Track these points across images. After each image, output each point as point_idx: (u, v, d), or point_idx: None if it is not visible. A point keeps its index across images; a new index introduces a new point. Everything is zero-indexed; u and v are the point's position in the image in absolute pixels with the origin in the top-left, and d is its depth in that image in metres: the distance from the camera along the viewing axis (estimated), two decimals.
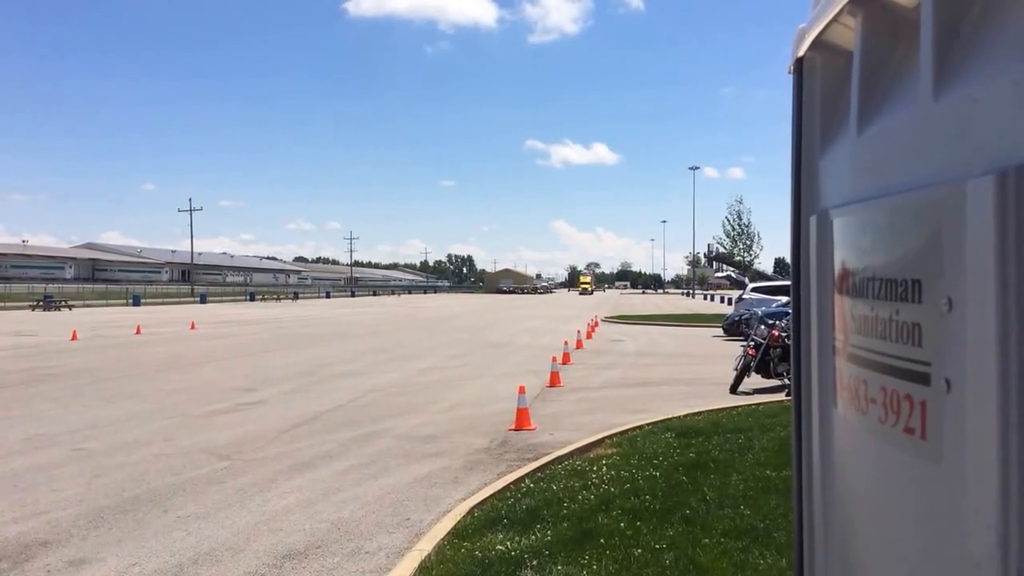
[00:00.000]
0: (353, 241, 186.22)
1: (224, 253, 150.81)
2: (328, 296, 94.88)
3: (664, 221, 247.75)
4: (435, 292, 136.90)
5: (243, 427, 9.88)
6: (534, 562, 4.88)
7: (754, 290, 29.81)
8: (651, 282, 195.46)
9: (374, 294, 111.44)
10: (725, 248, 56.49)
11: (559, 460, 7.79)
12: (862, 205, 1.00)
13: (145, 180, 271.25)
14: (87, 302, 58.72)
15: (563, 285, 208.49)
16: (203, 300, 67.67)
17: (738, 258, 55.80)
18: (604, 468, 7.22)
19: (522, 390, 10.24)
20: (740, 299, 30.02)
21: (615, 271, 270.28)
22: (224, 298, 76.61)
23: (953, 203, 0.76)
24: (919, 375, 0.83)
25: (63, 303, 51.27)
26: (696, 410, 10.52)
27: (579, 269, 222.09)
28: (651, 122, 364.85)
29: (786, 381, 12.20)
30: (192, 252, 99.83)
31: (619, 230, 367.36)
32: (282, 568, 5.19)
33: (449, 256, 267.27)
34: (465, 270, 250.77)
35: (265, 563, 5.27)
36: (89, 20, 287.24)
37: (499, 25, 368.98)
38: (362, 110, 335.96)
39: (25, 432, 9.50)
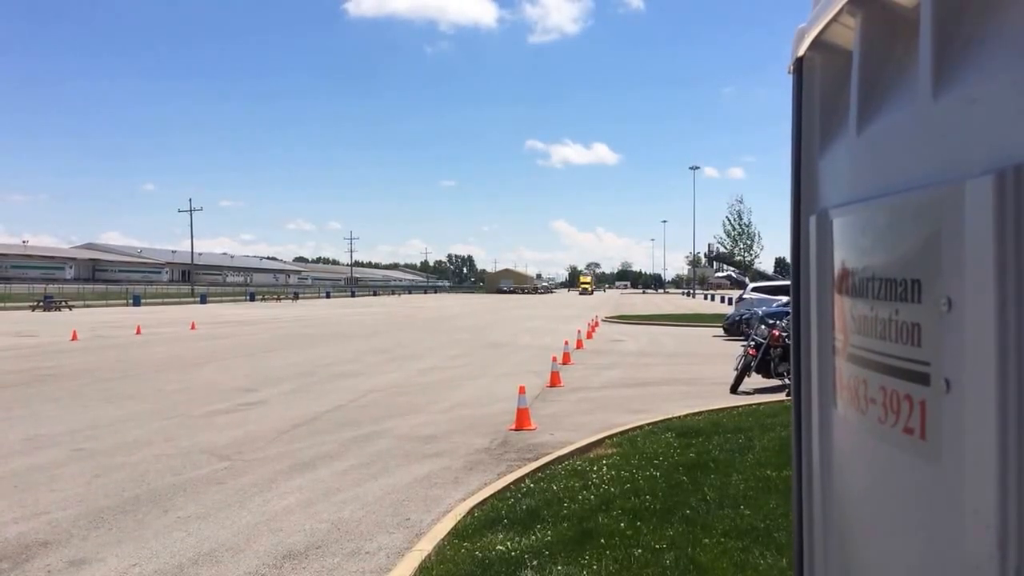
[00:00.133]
0: (353, 241, 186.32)
1: (224, 253, 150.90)
2: (328, 296, 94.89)
3: (664, 221, 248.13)
4: (435, 292, 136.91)
5: (243, 427, 9.88)
6: (534, 562, 4.88)
7: (754, 290, 29.82)
8: (651, 282, 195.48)
9: (374, 294, 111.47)
10: (725, 248, 56.56)
11: (559, 460, 7.79)
12: (862, 205, 1.00)
13: (145, 180, 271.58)
14: (87, 302, 58.73)
15: (563, 285, 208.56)
16: (203, 300, 67.69)
17: (738, 258, 55.85)
18: (604, 468, 7.22)
19: (522, 390, 10.24)
20: (740, 299, 30.04)
21: (615, 271, 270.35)
22: (224, 298, 76.63)
23: (952, 203, 0.76)
24: (918, 375, 0.83)
25: (63, 303, 51.28)
26: (696, 410, 10.52)
27: (579, 269, 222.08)
28: (651, 122, 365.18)
29: (787, 381, 12.19)
30: (192, 252, 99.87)
31: (619, 230, 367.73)
32: (282, 568, 5.19)
33: (449, 256, 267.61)
34: (465, 270, 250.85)
35: (265, 563, 5.27)
36: (89, 20, 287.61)
37: (499, 25, 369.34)
38: (362, 110, 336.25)
39: (25, 432, 9.50)
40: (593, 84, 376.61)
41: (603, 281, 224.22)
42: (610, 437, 8.85)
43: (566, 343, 19.25)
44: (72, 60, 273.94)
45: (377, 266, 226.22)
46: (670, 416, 10.05)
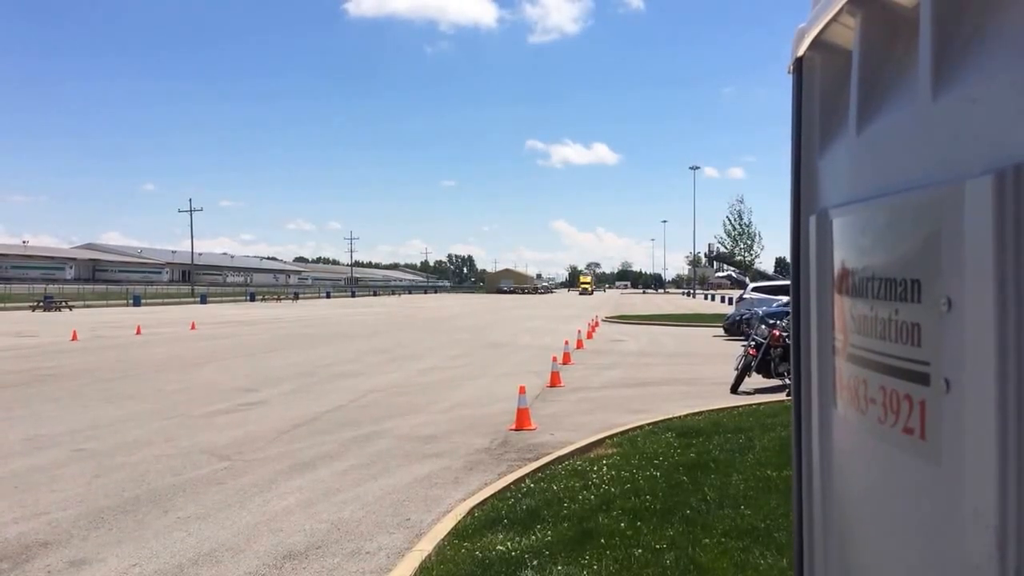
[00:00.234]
0: (353, 241, 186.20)
1: (224, 253, 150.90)
2: (328, 296, 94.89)
3: (665, 221, 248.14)
4: (435, 292, 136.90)
5: (243, 427, 9.88)
6: (534, 562, 4.88)
7: (755, 290, 29.81)
8: (652, 282, 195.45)
9: (374, 294, 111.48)
10: (726, 248, 56.54)
11: (559, 460, 7.79)
12: (861, 205, 1.00)
13: (145, 180, 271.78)
14: (87, 303, 58.74)
15: (563, 285, 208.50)
16: (203, 300, 67.70)
17: (739, 258, 55.82)
18: (604, 468, 7.22)
19: (522, 390, 10.24)
20: (741, 299, 30.04)
21: (616, 271, 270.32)
22: (224, 298, 76.63)
23: (952, 203, 0.76)
24: (918, 375, 0.83)
25: (63, 304, 51.28)
26: (697, 410, 10.52)
27: (580, 269, 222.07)
28: (651, 122, 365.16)
29: (787, 381, 12.18)
30: (192, 252, 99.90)
31: (619, 230, 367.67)
32: (282, 569, 5.19)
33: (449, 256, 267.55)
34: (465, 270, 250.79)
35: (265, 563, 5.27)
36: (89, 20, 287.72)
37: (499, 25, 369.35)
38: (362, 110, 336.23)
39: (26, 432, 9.50)
40: (593, 84, 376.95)
41: (603, 281, 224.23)
42: (610, 437, 8.85)
43: (566, 343, 19.25)
44: (72, 60, 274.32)
45: (377, 266, 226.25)
46: (670, 416, 10.05)
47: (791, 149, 1.32)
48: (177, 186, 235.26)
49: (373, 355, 19.68)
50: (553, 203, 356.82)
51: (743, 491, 6.30)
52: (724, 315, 31.12)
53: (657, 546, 5.11)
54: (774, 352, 12.63)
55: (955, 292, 0.76)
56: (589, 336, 25.55)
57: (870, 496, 1.01)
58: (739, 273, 49.50)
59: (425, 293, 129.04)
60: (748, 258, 55.40)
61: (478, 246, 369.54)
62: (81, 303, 56.98)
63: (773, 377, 12.82)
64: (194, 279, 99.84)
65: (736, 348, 15.74)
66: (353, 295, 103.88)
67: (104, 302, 61.12)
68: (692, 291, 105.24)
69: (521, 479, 7.08)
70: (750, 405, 10.85)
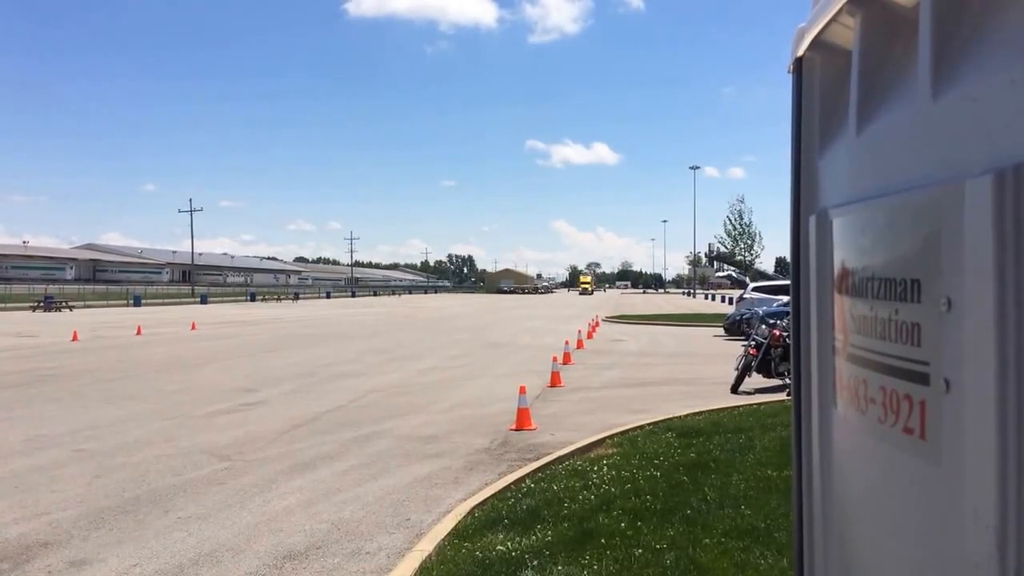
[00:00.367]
0: (354, 241, 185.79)
1: (225, 254, 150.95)
2: (329, 296, 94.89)
3: (665, 221, 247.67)
4: (436, 292, 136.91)
5: (244, 428, 9.88)
6: (535, 562, 4.88)
7: (755, 289, 29.82)
8: (652, 282, 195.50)
9: (375, 294, 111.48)
10: (726, 248, 56.50)
11: (560, 460, 7.79)
12: (861, 205, 1.00)
13: (145, 181, 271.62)
14: (88, 303, 58.75)
15: (564, 285, 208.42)
16: (204, 301, 67.69)
17: (739, 258, 55.78)
18: (605, 468, 7.22)
19: (523, 390, 10.24)
20: (741, 299, 30.04)
21: (616, 271, 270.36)
22: (225, 299, 76.64)
23: (952, 203, 0.76)
24: (918, 375, 0.83)
25: (64, 304, 51.29)
26: (697, 410, 10.52)
27: (580, 269, 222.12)
28: (651, 122, 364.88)
29: (787, 381, 12.18)
30: (192, 253, 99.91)
31: (620, 230, 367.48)
32: (283, 569, 5.19)
33: (450, 256, 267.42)
34: (466, 270, 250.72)
35: (266, 564, 5.27)
36: (89, 20, 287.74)
37: (499, 25, 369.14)
38: (362, 110, 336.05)
39: (26, 433, 9.50)
40: (593, 84, 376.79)
41: (603, 281, 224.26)
42: (611, 437, 8.85)
43: (566, 343, 19.25)
44: (72, 60, 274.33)
45: (377, 266, 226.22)
46: (671, 416, 10.05)
47: (791, 149, 1.32)
48: (177, 186, 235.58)
49: (373, 355, 19.68)
50: (553, 203, 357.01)
51: (743, 491, 6.29)
52: (724, 315, 31.13)
53: (657, 546, 5.11)
54: (774, 352, 12.62)
55: (955, 292, 0.76)
56: (589, 336, 25.55)
57: (870, 496, 1.01)
58: (739, 273, 49.49)
59: (425, 293, 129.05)
60: (748, 258, 55.39)
61: (478, 246, 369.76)
62: (81, 303, 57.00)
63: (773, 377, 12.82)
64: (194, 279, 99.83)
65: (736, 348, 15.74)
66: (353, 295, 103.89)
67: (104, 302, 61.14)
68: (692, 291, 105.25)
69: (521, 479, 7.08)
70: (750, 405, 10.85)
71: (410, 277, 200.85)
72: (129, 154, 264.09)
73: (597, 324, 32.13)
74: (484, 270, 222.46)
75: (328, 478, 7.43)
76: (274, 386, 13.74)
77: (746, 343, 13.65)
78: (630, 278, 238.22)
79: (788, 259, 1.42)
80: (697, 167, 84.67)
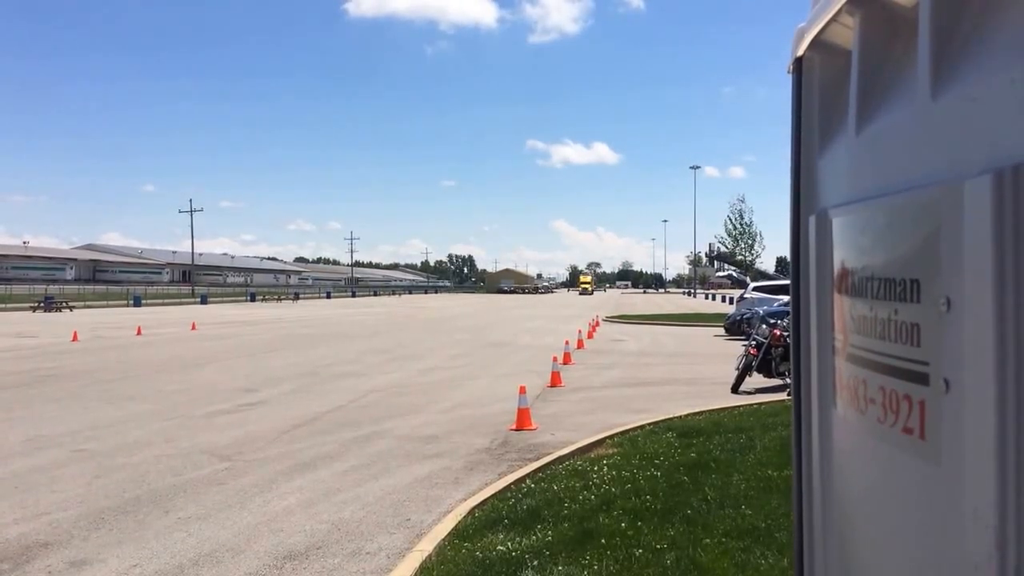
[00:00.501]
0: (354, 241, 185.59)
1: (225, 254, 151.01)
2: (329, 296, 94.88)
3: (665, 220, 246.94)
4: (436, 292, 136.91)
5: (244, 428, 9.88)
6: (535, 562, 4.88)
7: (755, 289, 29.82)
8: (652, 282, 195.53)
9: (375, 294, 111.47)
10: (727, 247, 56.43)
11: (560, 460, 7.79)
12: (861, 205, 1.00)
13: (146, 181, 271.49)
14: (88, 303, 58.77)
15: (564, 285, 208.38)
16: (204, 301, 67.69)
17: (740, 257, 55.73)
18: (605, 468, 7.22)
19: (523, 390, 10.24)
20: (741, 298, 30.03)
21: (616, 271, 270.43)
22: (225, 299, 76.64)
23: (951, 203, 0.76)
24: (918, 375, 0.83)
25: (64, 304, 51.29)
26: (697, 410, 10.52)
27: (580, 269, 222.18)
28: (652, 121, 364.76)
29: (788, 381, 12.18)
30: (193, 253, 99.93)
31: (620, 230, 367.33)
32: (283, 569, 5.19)
33: (450, 256, 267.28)
34: (466, 270, 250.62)
35: (266, 564, 5.27)
36: (89, 21, 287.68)
37: (499, 25, 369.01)
38: (362, 110, 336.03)
39: (26, 433, 9.50)
40: (593, 84, 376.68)
41: (604, 281, 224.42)
42: (611, 437, 8.84)
43: (567, 343, 19.25)
44: (72, 60, 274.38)
45: (378, 266, 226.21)
46: (671, 416, 10.05)
47: (791, 149, 1.33)
48: (177, 186, 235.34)
49: (373, 355, 19.68)
50: (553, 203, 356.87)
51: (744, 491, 6.29)
52: (725, 315, 31.13)
53: (658, 546, 5.10)
54: (775, 352, 12.62)
55: (954, 292, 0.75)
56: (590, 336, 25.55)
57: (870, 496, 1.01)
58: (740, 273, 49.45)
59: (426, 293, 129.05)
60: (749, 258, 55.32)
61: (478, 246, 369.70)
62: (81, 304, 57.01)
63: (774, 377, 12.82)
64: (194, 279, 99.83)
65: (737, 348, 15.74)
66: (353, 295, 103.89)
67: (104, 303, 61.15)
68: (693, 291, 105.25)
69: (521, 479, 7.08)
70: (751, 405, 10.85)
71: (410, 277, 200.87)
72: (129, 154, 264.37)
73: (597, 324, 32.13)
74: (484, 270, 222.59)
75: (328, 478, 7.43)
76: (274, 386, 13.74)
77: (747, 343, 13.65)
78: (630, 278, 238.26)
79: (788, 259, 1.42)
80: (697, 167, 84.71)
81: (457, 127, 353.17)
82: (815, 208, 1.22)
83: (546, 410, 11.07)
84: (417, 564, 5.05)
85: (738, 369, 12.98)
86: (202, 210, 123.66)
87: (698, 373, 15.72)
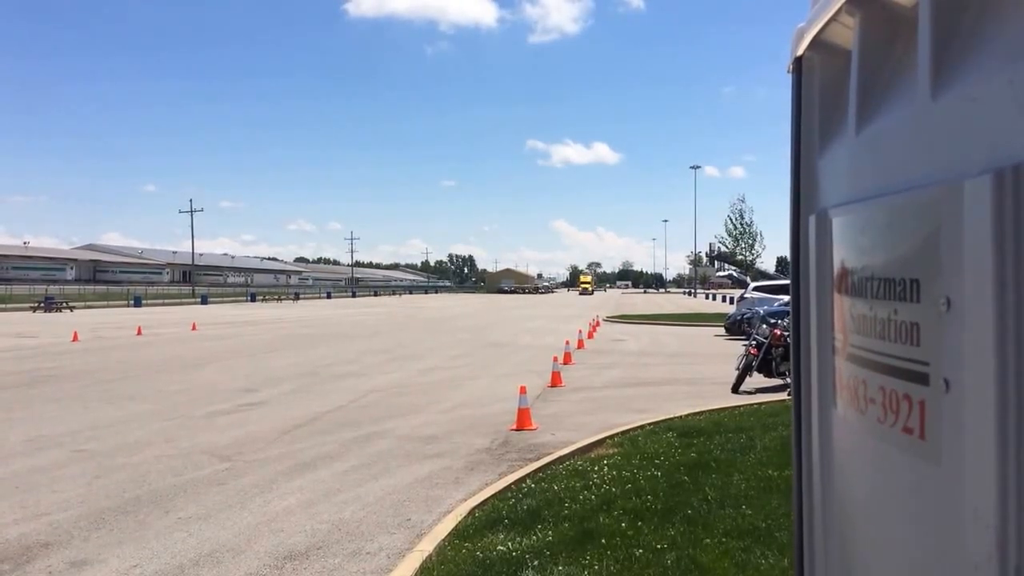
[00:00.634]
0: (354, 241, 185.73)
1: (225, 254, 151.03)
2: (329, 296, 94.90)
3: (666, 220, 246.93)
4: (436, 292, 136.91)
5: (244, 428, 9.89)
6: (535, 562, 4.88)
7: (756, 289, 29.82)
8: (653, 281, 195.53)
9: (375, 294, 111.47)
10: (727, 247, 56.43)
11: (560, 460, 7.79)
12: (861, 204, 1.00)
13: (146, 181, 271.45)
14: (88, 303, 58.78)
15: (564, 285, 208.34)
16: (204, 301, 67.70)
17: (740, 257, 55.73)
18: (605, 468, 7.22)
19: (523, 390, 10.24)
20: (742, 298, 30.02)
21: (616, 271, 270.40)
22: (225, 299, 76.66)
23: (951, 203, 0.76)
24: (918, 375, 0.83)
25: (64, 304, 51.30)
26: (698, 410, 10.51)
27: (580, 269, 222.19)
28: (652, 121, 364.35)
29: (788, 380, 12.17)
30: (193, 253, 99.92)
31: (620, 230, 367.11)
32: (283, 569, 5.19)
33: (450, 256, 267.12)
34: (466, 270, 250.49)
35: (266, 564, 5.27)
36: (89, 21, 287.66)
37: (499, 25, 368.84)
38: (362, 110, 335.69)
39: (26, 433, 9.50)
40: (593, 84, 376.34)
41: (604, 281, 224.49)
42: (611, 437, 8.84)
43: (567, 343, 19.25)
44: (72, 60, 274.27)
45: (378, 266, 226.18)
46: (671, 416, 10.05)
47: (791, 149, 1.32)
48: (177, 186, 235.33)
49: (374, 355, 19.69)
50: (553, 203, 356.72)
51: (744, 491, 6.29)
52: (725, 315, 31.12)
53: (658, 546, 5.10)
54: (775, 352, 12.61)
55: (954, 292, 0.75)
56: (590, 336, 25.55)
57: (870, 496, 1.01)
58: (740, 272, 49.47)
59: (426, 293, 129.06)
60: (749, 257, 55.32)
61: (479, 246, 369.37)
62: (82, 304, 57.02)
63: (774, 377, 12.81)
64: (195, 280, 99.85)
65: (737, 348, 15.74)
66: (354, 295, 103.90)
67: (105, 303, 61.16)
68: (693, 291, 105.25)
69: (522, 479, 7.08)
70: (751, 405, 10.85)
71: (411, 277, 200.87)
72: (129, 154, 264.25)
73: (598, 324, 32.13)
74: (485, 270, 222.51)
75: (328, 478, 7.43)
76: (274, 386, 13.74)
77: (747, 343, 13.65)
78: (631, 278, 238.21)
79: (788, 259, 1.42)
80: (698, 167, 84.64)
81: (457, 127, 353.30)
82: (815, 208, 1.22)
83: (546, 410, 11.07)
84: (417, 564, 5.05)
85: (738, 369, 12.98)
86: (202, 210, 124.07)
87: (698, 373, 15.71)
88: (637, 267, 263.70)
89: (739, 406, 10.74)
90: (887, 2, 1.02)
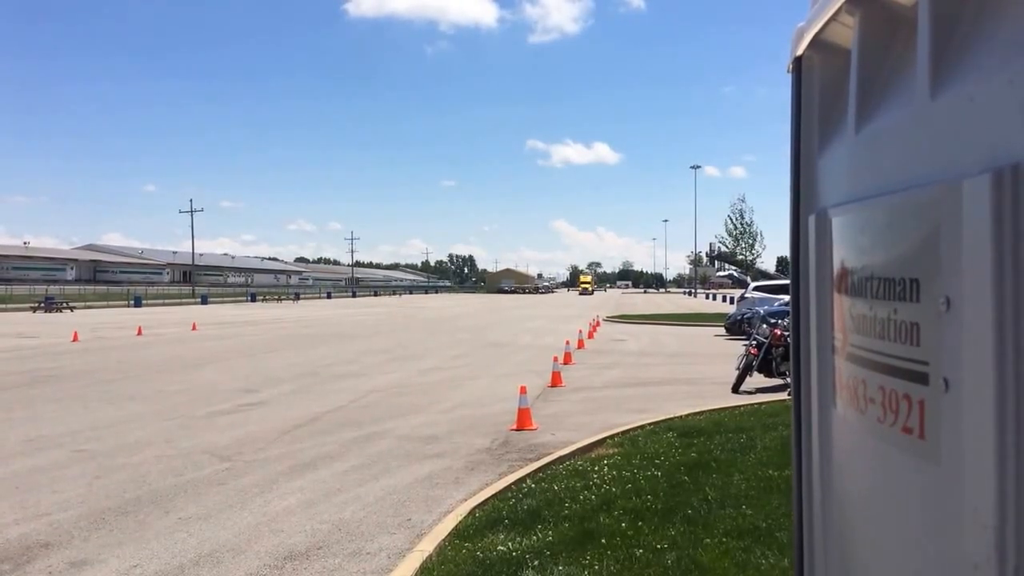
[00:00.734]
0: (354, 241, 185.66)
1: (225, 254, 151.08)
2: (329, 296, 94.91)
3: (666, 220, 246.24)
4: (436, 292, 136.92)
5: (244, 428, 9.89)
6: (535, 562, 4.88)
7: (756, 289, 29.82)
8: (653, 281, 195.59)
9: (375, 294, 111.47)
10: (727, 247, 56.45)
11: (560, 460, 7.79)
12: (860, 204, 1.00)
13: (146, 181, 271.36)
14: (88, 303, 58.79)
15: (564, 285, 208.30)
16: (204, 301, 67.71)
17: (740, 257, 55.74)
18: (606, 468, 7.22)
19: (523, 390, 10.24)
20: (742, 298, 30.02)
21: (617, 271, 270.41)
22: (225, 299, 76.66)
23: (950, 202, 0.76)
24: (917, 374, 0.83)
25: (64, 304, 51.32)
26: (698, 409, 10.51)
27: (581, 269, 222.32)
28: (652, 121, 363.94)
29: (788, 380, 12.17)
30: (193, 253, 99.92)
31: (620, 229, 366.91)
32: (283, 569, 5.19)
33: (450, 256, 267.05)
34: (466, 270, 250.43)
35: (267, 564, 5.27)
36: (90, 21, 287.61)
37: (499, 25, 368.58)
38: (362, 110, 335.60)
39: (27, 433, 9.50)
40: (593, 84, 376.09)
41: (604, 281, 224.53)
42: (611, 437, 8.84)
43: (567, 343, 19.25)
44: (72, 61, 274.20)
45: (378, 266, 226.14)
46: (672, 416, 10.05)
47: (790, 148, 1.32)
48: (178, 187, 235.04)
49: (374, 355, 19.69)
50: (553, 203, 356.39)
51: (745, 491, 6.29)
52: (726, 314, 31.11)
53: (658, 546, 5.10)
54: (776, 351, 12.61)
55: (954, 291, 0.75)
56: (590, 336, 25.55)
57: (870, 495, 1.01)
58: (740, 272, 49.48)
59: (426, 293, 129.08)
60: (750, 257, 55.33)
61: (479, 246, 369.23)
62: (82, 304, 57.03)
63: (775, 376, 12.81)
64: (195, 280, 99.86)
65: (737, 348, 15.74)
66: (354, 295, 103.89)
67: (105, 303, 61.16)
68: (693, 291, 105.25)
69: (522, 479, 7.08)
70: (751, 405, 10.85)
71: (411, 277, 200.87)
72: (129, 154, 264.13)
73: (598, 324, 32.13)
74: (485, 270, 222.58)
75: (329, 478, 7.43)
76: (275, 386, 13.74)
77: (747, 343, 13.64)
78: (631, 278, 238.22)
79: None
80: (698, 167, 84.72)
81: (457, 127, 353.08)
82: (815, 208, 1.22)
83: (547, 410, 11.07)
84: (418, 564, 5.05)
85: (739, 369, 12.97)
86: (202, 210, 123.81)
87: (699, 373, 15.71)
88: (637, 267, 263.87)
89: (739, 406, 10.74)
90: (886, 2, 1.02)
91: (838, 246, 1.08)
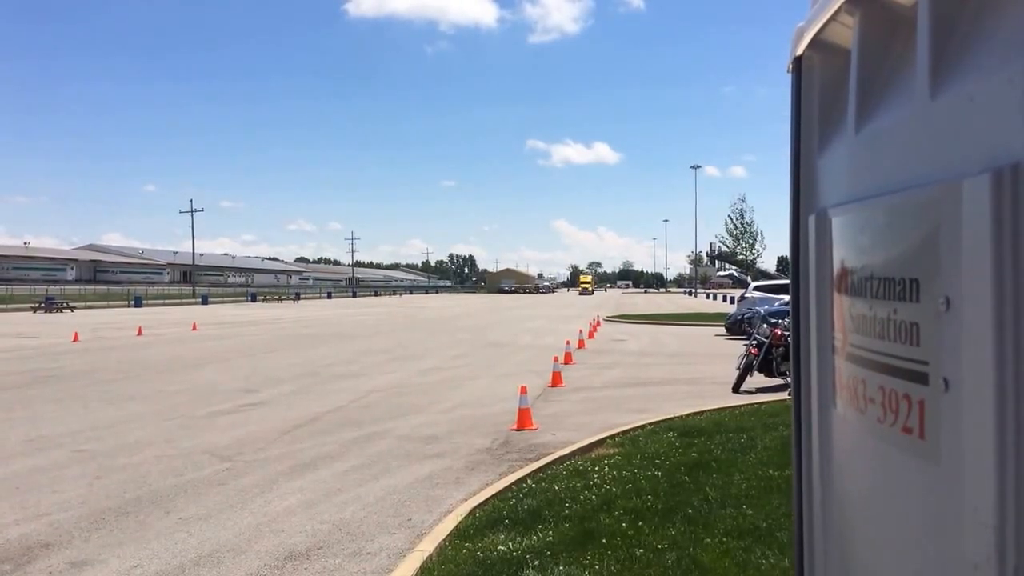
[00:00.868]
0: (354, 241, 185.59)
1: (225, 254, 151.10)
2: (330, 297, 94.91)
3: (666, 220, 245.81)
4: (437, 292, 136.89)
5: (244, 428, 9.89)
6: (536, 562, 4.88)
7: (756, 288, 29.82)
8: (653, 281, 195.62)
9: (376, 294, 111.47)
10: (727, 247, 56.48)
11: (561, 460, 7.79)
12: (860, 204, 1.00)
13: (146, 182, 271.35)
14: (89, 304, 58.79)
15: (565, 285, 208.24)
16: (204, 301, 67.71)
17: (741, 257, 55.76)
18: (606, 468, 7.22)
19: (524, 390, 10.24)
20: (742, 298, 30.01)
21: (617, 270, 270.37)
22: (225, 299, 76.67)
23: (950, 202, 0.76)
24: (917, 374, 0.83)
25: (65, 305, 51.32)
26: (698, 409, 10.51)
27: (581, 268, 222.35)
28: (652, 121, 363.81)
29: (789, 380, 12.17)
30: (193, 253, 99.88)
31: (621, 229, 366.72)
32: (284, 569, 5.19)
33: (451, 256, 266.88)
34: (467, 270, 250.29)
35: (267, 564, 5.27)
36: (90, 21, 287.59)
37: (499, 25, 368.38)
38: (362, 110, 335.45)
39: (27, 434, 9.51)
40: (593, 83, 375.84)
41: (605, 280, 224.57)
42: (612, 437, 8.84)
43: (567, 343, 19.25)
44: (72, 61, 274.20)
45: (378, 266, 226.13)
46: (672, 416, 10.04)
47: (790, 148, 1.32)
48: (178, 187, 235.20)
49: (374, 355, 19.69)
50: (554, 203, 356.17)
51: (745, 490, 6.29)
52: (726, 314, 31.10)
53: (659, 546, 5.10)
54: (776, 351, 12.61)
55: (953, 291, 0.75)
56: (590, 336, 25.54)
57: (870, 495, 1.01)
58: (741, 272, 49.49)
59: (426, 293, 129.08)
60: (750, 257, 55.36)
61: (479, 246, 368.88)
62: (82, 304, 57.03)
63: (775, 376, 12.80)
64: (195, 280, 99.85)
65: (738, 347, 15.73)
66: (354, 295, 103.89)
67: (105, 303, 61.17)
68: (694, 290, 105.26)
69: (522, 479, 7.08)
70: (752, 404, 10.84)
71: (411, 277, 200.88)
72: (129, 154, 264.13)
73: (598, 324, 32.12)
74: (485, 270, 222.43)
75: (329, 478, 7.43)
76: (275, 386, 13.74)
77: (748, 342, 13.64)
78: (631, 277, 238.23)
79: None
80: (698, 166, 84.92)
81: (457, 127, 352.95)
82: (815, 207, 1.22)
83: (547, 410, 11.07)
84: (418, 564, 5.05)
85: (739, 369, 12.97)
86: (203, 210, 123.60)
87: (699, 373, 15.71)
88: (638, 267, 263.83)
89: (740, 406, 10.73)
90: (886, 1, 1.02)
91: (838, 246, 1.08)
